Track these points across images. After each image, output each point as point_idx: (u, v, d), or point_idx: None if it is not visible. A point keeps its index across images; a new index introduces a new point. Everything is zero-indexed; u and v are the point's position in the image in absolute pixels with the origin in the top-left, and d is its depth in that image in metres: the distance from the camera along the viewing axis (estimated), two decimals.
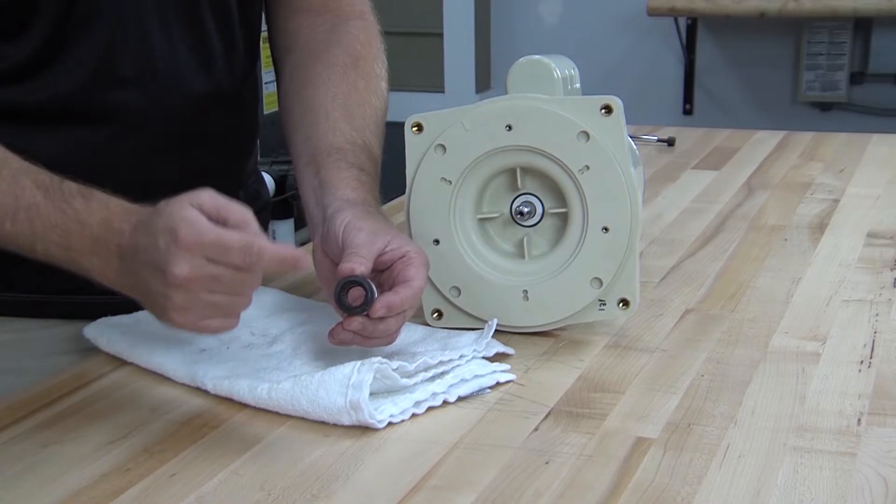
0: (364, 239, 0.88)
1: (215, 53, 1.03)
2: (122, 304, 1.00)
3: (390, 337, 0.89)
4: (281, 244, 0.79)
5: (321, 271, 0.93)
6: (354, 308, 0.85)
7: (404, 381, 0.83)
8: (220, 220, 0.78)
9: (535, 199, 0.97)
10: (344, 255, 0.88)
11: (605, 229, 0.94)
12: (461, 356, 0.88)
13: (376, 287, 0.87)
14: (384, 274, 0.90)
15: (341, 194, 0.94)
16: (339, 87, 1.04)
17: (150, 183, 0.91)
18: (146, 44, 0.97)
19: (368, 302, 0.85)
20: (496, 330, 0.92)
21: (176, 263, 0.77)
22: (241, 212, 0.79)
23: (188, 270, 0.76)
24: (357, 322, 0.86)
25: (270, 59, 1.16)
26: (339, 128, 1.01)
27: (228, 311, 0.81)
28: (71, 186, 0.83)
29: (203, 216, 0.78)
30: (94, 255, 0.82)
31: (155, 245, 0.78)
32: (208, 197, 0.79)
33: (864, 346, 0.95)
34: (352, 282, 0.85)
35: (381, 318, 0.86)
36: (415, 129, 0.97)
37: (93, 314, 0.98)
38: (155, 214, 0.80)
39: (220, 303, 0.79)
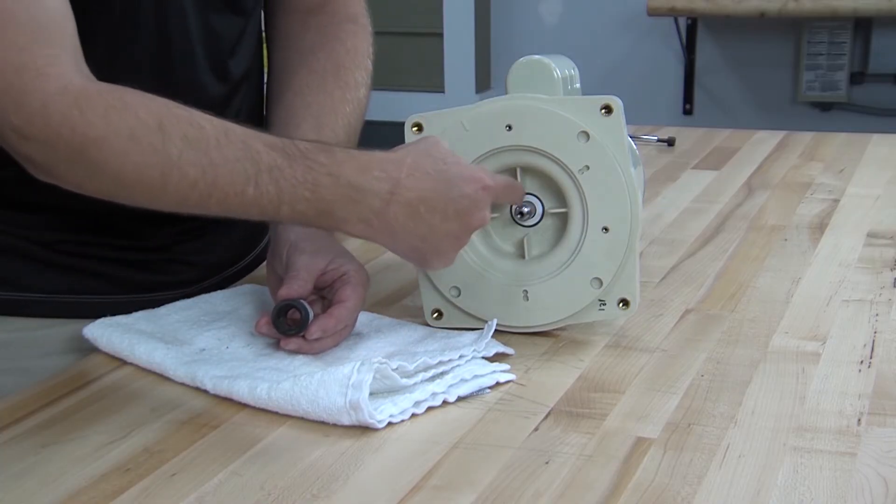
0: (305, 261, 0.93)
1: (225, 55, 1.04)
2: (123, 304, 1.00)
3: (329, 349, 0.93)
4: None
5: (270, 286, 0.98)
6: (291, 330, 0.90)
7: (404, 381, 0.83)
8: None
9: (535, 199, 0.97)
10: (286, 276, 0.92)
11: (605, 229, 0.94)
12: (461, 356, 0.88)
13: (319, 306, 0.92)
14: (325, 291, 0.94)
15: None
16: (314, 97, 1.06)
17: None
18: (165, 41, 0.98)
19: (303, 324, 0.90)
20: (496, 330, 0.92)
21: (483, 209, 0.88)
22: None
23: (489, 213, 0.89)
24: (293, 343, 0.90)
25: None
26: (307, 138, 1.03)
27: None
28: (303, 144, 0.85)
29: None
30: (354, 203, 0.84)
31: (459, 191, 0.86)
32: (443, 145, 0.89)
33: (864, 346, 0.95)
34: (289, 305, 0.90)
35: (317, 339, 0.90)
36: (415, 129, 0.97)
37: (93, 314, 0.98)
38: (433, 161, 0.87)
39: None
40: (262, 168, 0.82)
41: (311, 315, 0.90)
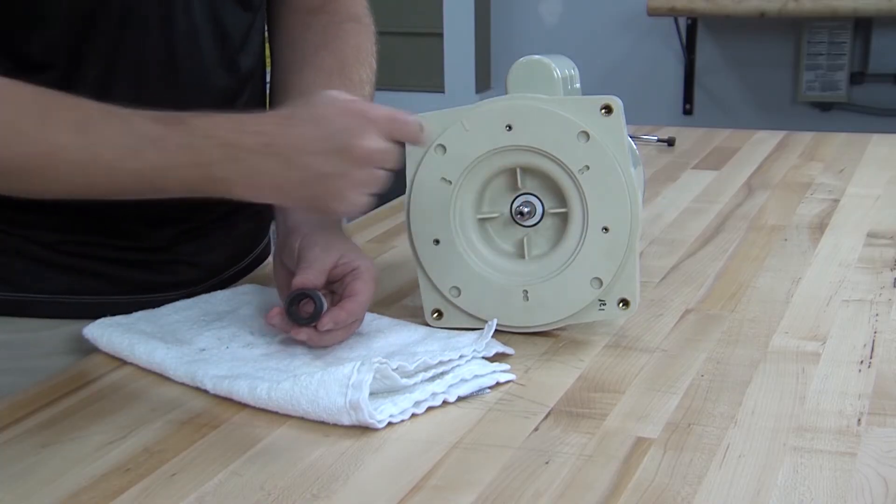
0: (318, 254, 0.93)
1: (234, 50, 1.04)
2: (123, 305, 1.00)
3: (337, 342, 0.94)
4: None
5: (278, 279, 0.98)
6: (303, 320, 0.90)
7: (404, 381, 0.83)
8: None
9: (535, 199, 0.97)
10: (298, 268, 0.92)
11: (605, 229, 0.94)
12: (461, 356, 0.88)
13: (329, 300, 0.92)
14: (335, 286, 0.94)
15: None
16: None
17: None
18: (172, 39, 0.98)
19: (317, 314, 0.90)
20: (496, 330, 0.92)
21: (365, 137, 0.83)
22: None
23: (375, 142, 0.84)
24: (304, 333, 0.91)
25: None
26: None
27: (378, 187, 0.86)
28: (181, 113, 0.85)
29: None
30: (233, 161, 0.83)
31: (336, 127, 0.83)
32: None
33: (864, 346, 0.95)
34: (302, 294, 0.90)
35: (328, 331, 0.91)
36: None
37: (94, 314, 0.98)
38: (309, 108, 0.85)
39: (380, 178, 0.85)
40: (145, 141, 0.83)
41: (325, 306, 0.90)
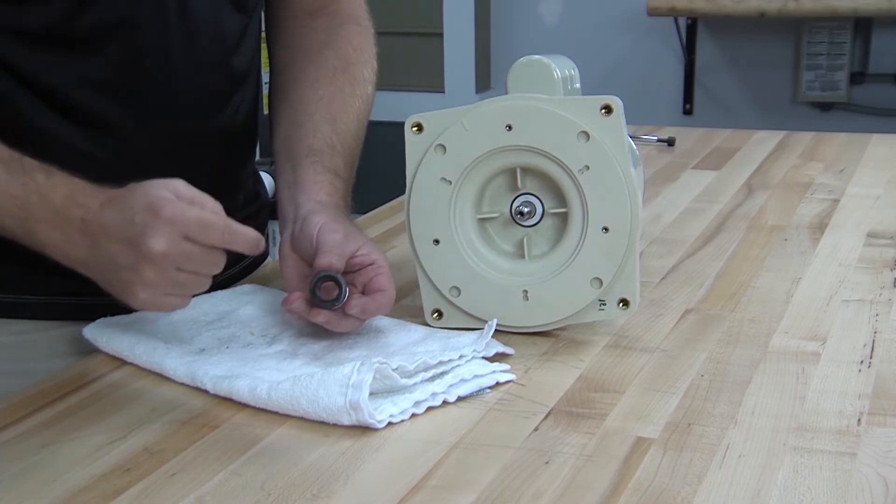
0: (338, 240, 0.93)
1: (228, 52, 1.04)
2: (121, 305, 1.00)
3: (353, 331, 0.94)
4: (246, 227, 0.84)
5: (287, 266, 0.97)
6: (326, 302, 0.90)
7: (404, 381, 0.83)
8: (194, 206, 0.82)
9: (535, 199, 0.97)
10: (319, 252, 0.92)
11: (605, 229, 0.94)
12: (461, 356, 0.88)
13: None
14: (353, 276, 0.94)
15: (315, 196, 0.99)
16: (325, 90, 1.07)
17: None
18: (166, 43, 0.98)
19: (340, 297, 0.90)
20: (496, 330, 0.92)
21: (153, 237, 0.80)
22: (214, 202, 0.83)
23: (164, 245, 0.80)
24: (323, 315, 0.90)
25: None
26: (321, 130, 1.04)
27: (190, 290, 0.84)
28: (32, 162, 0.84)
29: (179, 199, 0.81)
30: (54, 227, 0.83)
31: (130, 220, 0.81)
32: (183, 185, 0.83)
33: (864, 346, 0.95)
34: (326, 276, 0.90)
35: (347, 316, 0.91)
36: (415, 129, 0.97)
37: (91, 315, 0.98)
38: (128, 193, 0.82)
39: (185, 282, 0.82)
40: None
41: (347, 290, 0.90)
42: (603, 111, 0.93)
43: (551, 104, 0.94)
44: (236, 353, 0.92)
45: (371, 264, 0.93)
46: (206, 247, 0.82)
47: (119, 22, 0.95)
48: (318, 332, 0.95)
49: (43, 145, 0.90)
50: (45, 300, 1.01)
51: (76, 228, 0.83)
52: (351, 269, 0.93)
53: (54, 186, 0.83)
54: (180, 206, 0.81)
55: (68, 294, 1.01)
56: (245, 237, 0.83)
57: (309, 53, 1.10)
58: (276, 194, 1.05)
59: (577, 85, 1.01)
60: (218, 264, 0.84)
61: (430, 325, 0.99)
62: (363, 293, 0.92)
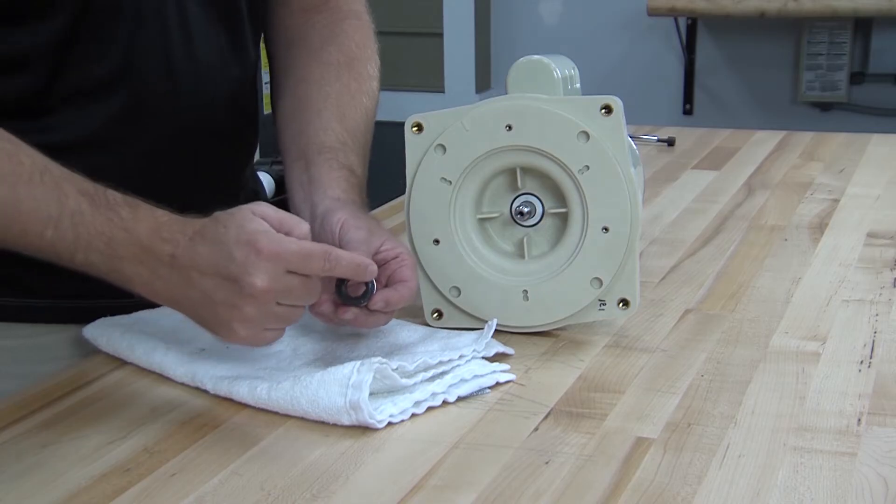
0: (363, 236, 0.92)
1: (226, 53, 1.04)
2: (128, 308, 1.00)
3: (381, 325, 0.93)
4: (350, 254, 0.84)
5: None
6: (353, 300, 0.89)
7: (404, 381, 0.83)
8: (283, 232, 0.81)
9: (535, 199, 0.97)
10: (345, 249, 0.90)
11: (605, 229, 0.94)
12: (461, 356, 0.88)
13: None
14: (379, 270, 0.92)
15: (332, 193, 0.98)
16: (332, 87, 1.06)
17: (151, 181, 0.91)
18: (166, 43, 0.98)
19: (367, 294, 0.89)
20: (496, 330, 0.92)
21: (256, 274, 0.79)
22: (302, 223, 0.83)
23: (267, 282, 0.79)
24: (351, 313, 0.89)
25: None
26: (331, 127, 1.03)
27: (287, 322, 0.83)
28: (116, 195, 0.83)
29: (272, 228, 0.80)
30: (141, 263, 0.81)
31: (228, 256, 0.79)
32: (270, 209, 0.82)
33: (864, 346, 0.95)
34: None
35: (373, 312, 0.90)
36: (415, 129, 0.97)
37: (97, 318, 0.97)
38: (216, 225, 0.81)
39: (283, 315, 0.82)
40: (66, 212, 0.81)
41: (375, 287, 0.90)
42: (603, 111, 0.93)
43: (551, 104, 0.94)
44: (236, 353, 0.92)
45: (395, 258, 0.92)
46: (306, 277, 0.81)
47: (121, 21, 0.95)
48: (319, 333, 0.95)
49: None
50: (48, 304, 1.01)
51: (165, 265, 0.81)
52: (377, 264, 0.91)
53: (139, 221, 0.82)
54: (278, 238, 0.80)
55: (73, 297, 1.00)
56: (349, 262, 0.83)
57: (311, 50, 1.09)
58: (286, 195, 1.04)
59: (577, 85, 1.01)
60: (315, 293, 0.83)
61: (430, 325, 0.99)
62: (386, 286, 0.91)
